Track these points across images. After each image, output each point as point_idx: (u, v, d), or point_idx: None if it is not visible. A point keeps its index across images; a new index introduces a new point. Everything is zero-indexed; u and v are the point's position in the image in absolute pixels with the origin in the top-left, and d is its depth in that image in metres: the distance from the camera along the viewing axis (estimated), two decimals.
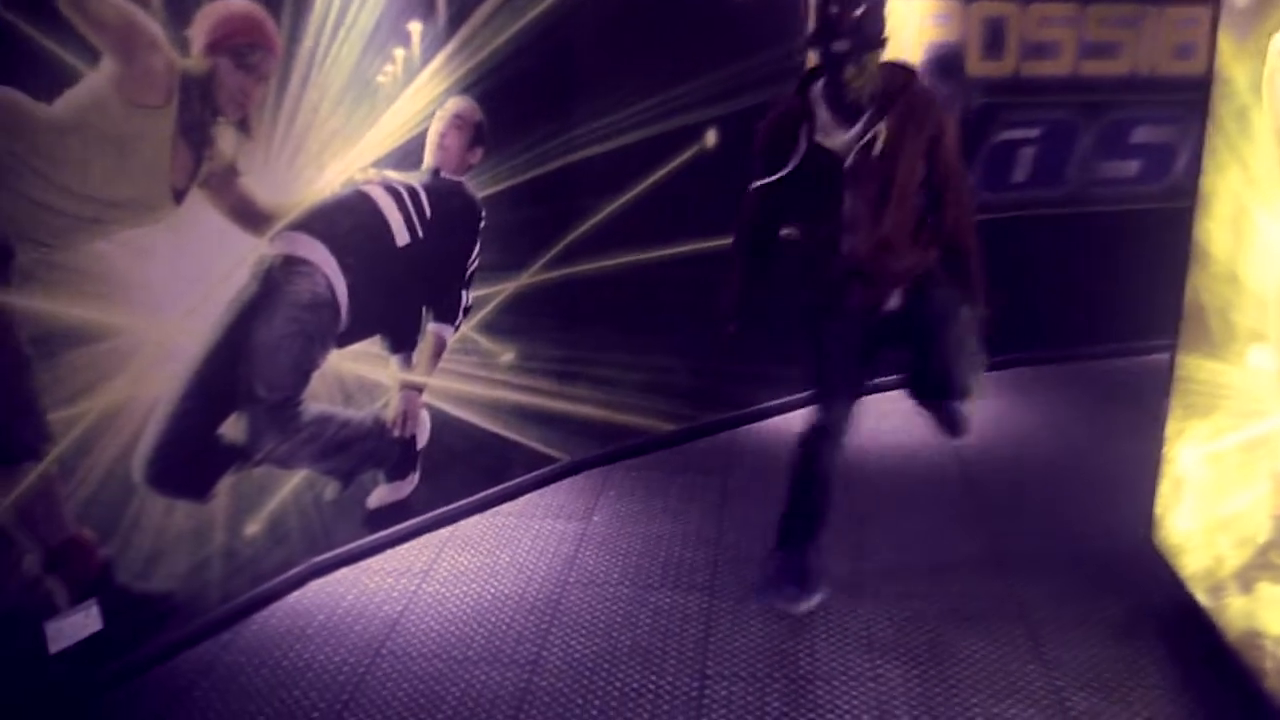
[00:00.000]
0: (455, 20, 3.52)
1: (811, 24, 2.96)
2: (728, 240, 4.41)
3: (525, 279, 3.97)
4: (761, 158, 3.19)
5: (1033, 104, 5.05)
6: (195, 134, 2.97)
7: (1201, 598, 3.09)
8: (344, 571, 3.58)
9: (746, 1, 4.32)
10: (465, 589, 3.51)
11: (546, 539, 3.83)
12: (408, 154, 3.51)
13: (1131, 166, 5.28)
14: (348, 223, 3.38)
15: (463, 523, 3.92)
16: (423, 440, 3.77)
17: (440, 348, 3.74)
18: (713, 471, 4.38)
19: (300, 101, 3.19)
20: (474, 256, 3.78)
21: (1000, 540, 3.79)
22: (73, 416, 2.77)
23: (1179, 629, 3.20)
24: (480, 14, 3.57)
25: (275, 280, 3.23)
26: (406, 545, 3.75)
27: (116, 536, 2.94)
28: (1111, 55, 5.04)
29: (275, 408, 3.30)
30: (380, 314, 3.55)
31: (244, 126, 3.09)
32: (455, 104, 3.59)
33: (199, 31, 2.92)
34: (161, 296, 2.96)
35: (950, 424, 3.52)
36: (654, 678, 3.08)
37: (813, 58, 3.11)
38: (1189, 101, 5.18)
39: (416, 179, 3.56)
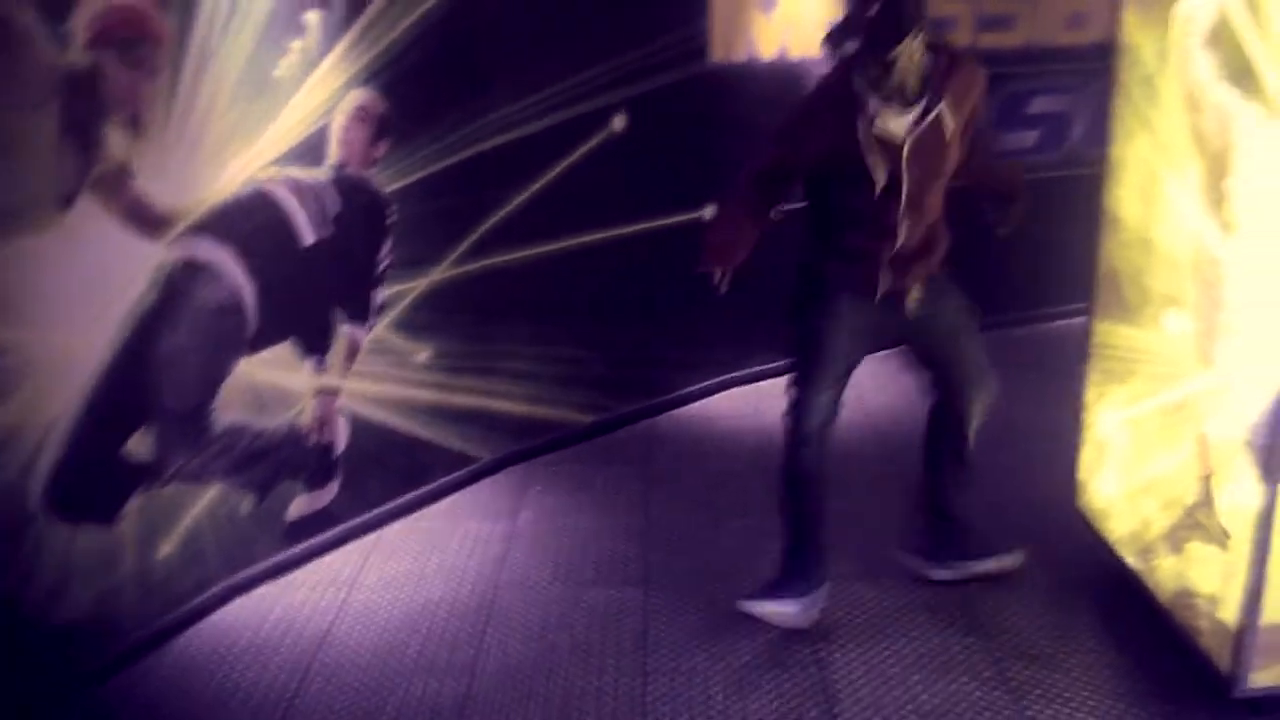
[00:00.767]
0: (353, 9, 3.39)
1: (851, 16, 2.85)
2: (639, 226, 4.42)
3: (438, 274, 3.85)
4: (795, 138, 2.95)
5: None
6: (81, 134, 2.78)
7: (1130, 560, 3.15)
8: (266, 587, 3.43)
9: None
10: (395, 597, 3.40)
11: (474, 540, 3.73)
12: (310, 149, 3.36)
13: (1030, 136, 5.37)
14: (251, 224, 3.23)
15: (387, 529, 3.79)
16: (340, 446, 3.63)
17: (354, 349, 3.61)
18: (635, 461, 4.33)
19: (194, 97, 3.02)
20: (384, 253, 3.65)
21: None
22: None
23: (1109, 593, 3.26)
24: (379, 2, 3.44)
25: (177, 287, 3.06)
26: (330, 556, 3.62)
27: (13, 569, 2.75)
28: (1007, 27, 5.12)
29: (183, 421, 3.14)
30: (290, 317, 3.40)
31: (134, 125, 2.91)
32: (357, 96, 3.46)
33: (80, 25, 2.74)
34: (54, 309, 2.77)
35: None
36: (595, 677, 3.02)
37: (850, 47, 2.91)
38: (1082, 71, 5.33)
39: (321, 175, 3.41)
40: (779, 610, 3.18)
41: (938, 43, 2.90)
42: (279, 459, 3.44)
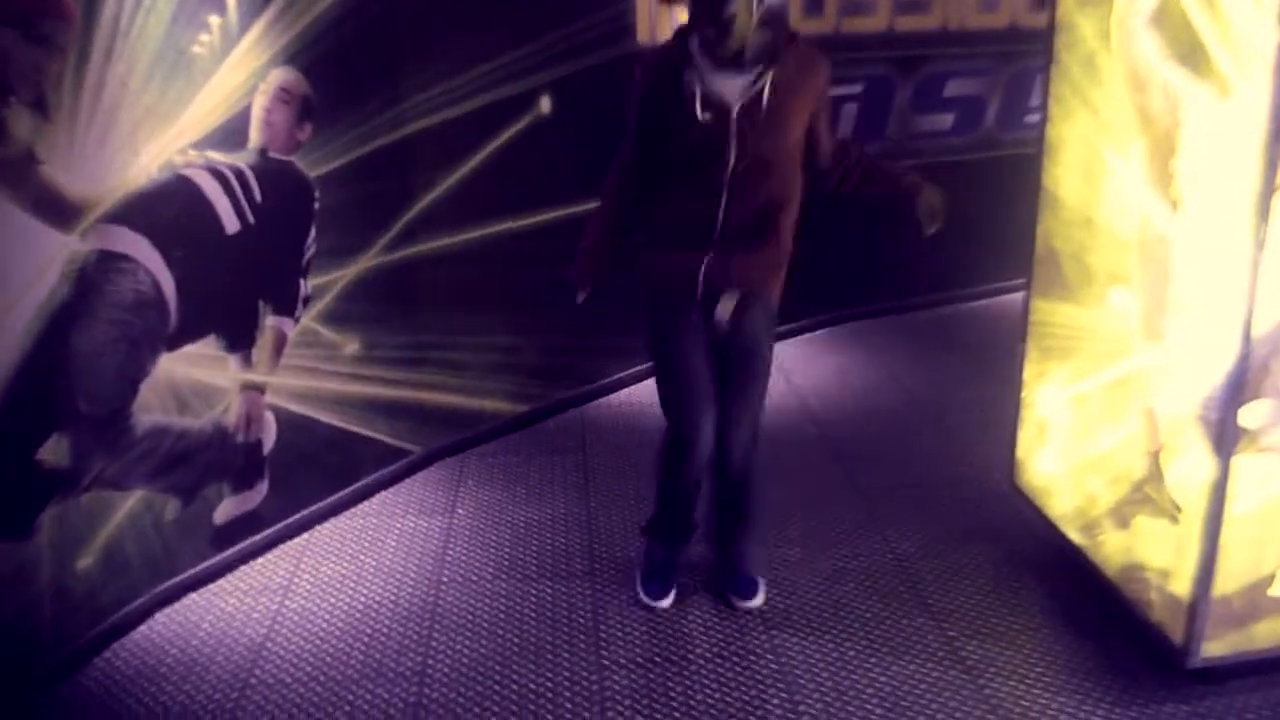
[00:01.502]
0: None
1: None
2: (569, 210, 4.32)
3: (365, 262, 3.70)
4: (637, 108, 2.91)
5: (853, 60, 5.11)
6: None
7: (1074, 536, 3.20)
8: (194, 597, 3.25)
9: None
10: (333, 601, 3.25)
11: (411, 538, 3.60)
12: (231, 132, 3.18)
13: (946, 119, 5.43)
14: (170, 211, 3.03)
15: (318, 529, 3.64)
16: (269, 444, 3.46)
17: (281, 342, 3.44)
18: (569, 451, 4.25)
19: (105, 76, 2.81)
20: (310, 241, 3.48)
21: (867, 496, 3.83)
22: None
23: (1053, 569, 3.31)
24: None
25: (91, 280, 2.85)
26: (261, 560, 3.45)
27: None
28: (923, 10, 5.15)
29: (101, 424, 2.94)
30: (213, 310, 3.22)
31: (40, 108, 2.69)
32: (279, 76, 3.28)
33: None
34: None
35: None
36: (549, 674, 2.93)
37: (683, 12, 2.86)
38: (994, 54, 5.41)
39: (242, 160, 3.23)
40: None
41: (780, 23, 2.80)
42: (204, 460, 3.25)
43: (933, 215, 3.09)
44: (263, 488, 3.48)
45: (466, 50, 3.87)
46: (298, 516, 3.59)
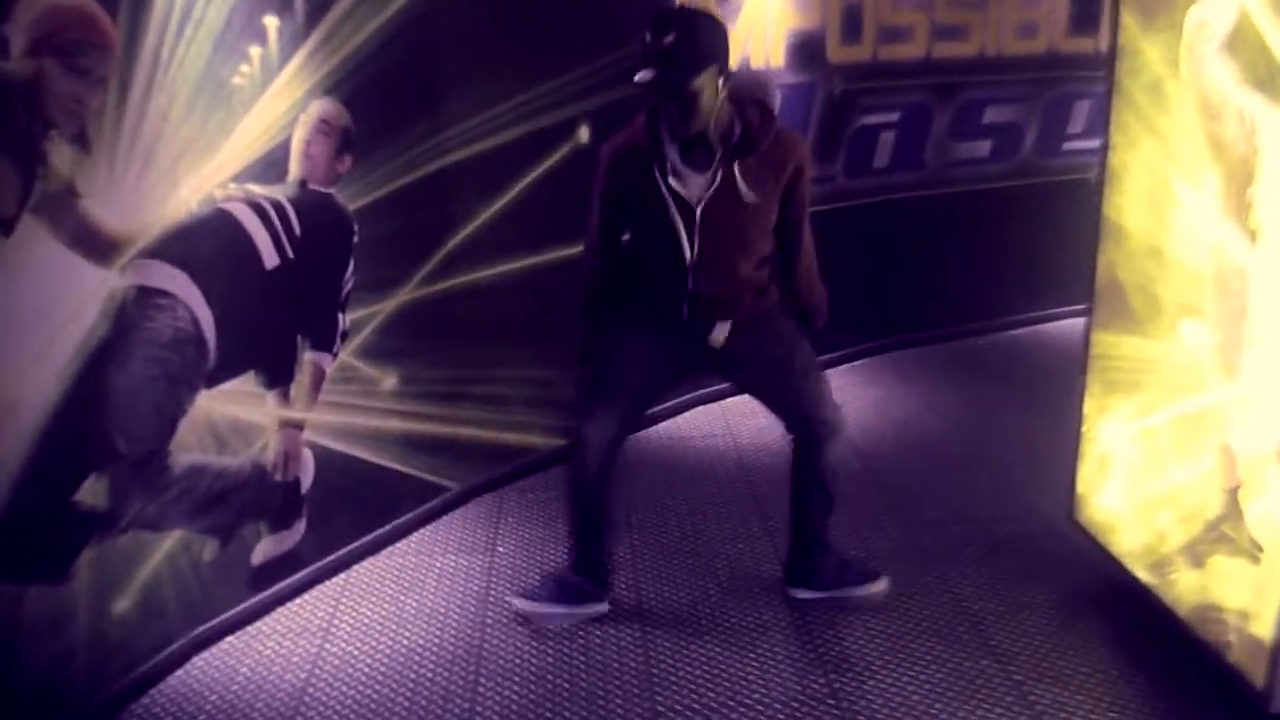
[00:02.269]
0: (314, 14, 3.15)
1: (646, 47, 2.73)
2: None
3: (404, 296, 3.62)
4: (603, 194, 2.94)
5: (891, 88, 5.05)
6: (21, 151, 2.50)
7: (1142, 575, 3.09)
8: (233, 640, 3.15)
9: None
10: (374, 644, 3.15)
11: (453, 577, 3.50)
12: (271, 165, 3.12)
13: (984, 146, 5.37)
14: (209, 246, 2.97)
15: (357, 568, 3.54)
16: (307, 483, 3.38)
17: (319, 378, 3.37)
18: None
19: (146, 109, 2.75)
20: (349, 275, 3.42)
21: (917, 533, 3.73)
22: None
23: (1118, 608, 3.20)
24: (341, 7, 3.21)
25: (130, 317, 2.78)
26: (299, 601, 3.35)
27: None
28: (961, 37, 5.10)
29: (139, 463, 2.86)
30: (252, 347, 3.15)
31: (81, 140, 2.63)
32: (319, 107, 3.22)
33: (19, 29, 2.45)
34: None
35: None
36: None
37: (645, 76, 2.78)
38: (1032, 80, 5.36)
39: (282, 193, 3.17)
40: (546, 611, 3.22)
41: (752, 104, 2.84)
42: (243, 500, 3.17)
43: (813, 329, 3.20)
44: (300, 527, 3.39)
45: (505, 80, 3.82)
46: (336, 556, 3.51)
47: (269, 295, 3.16)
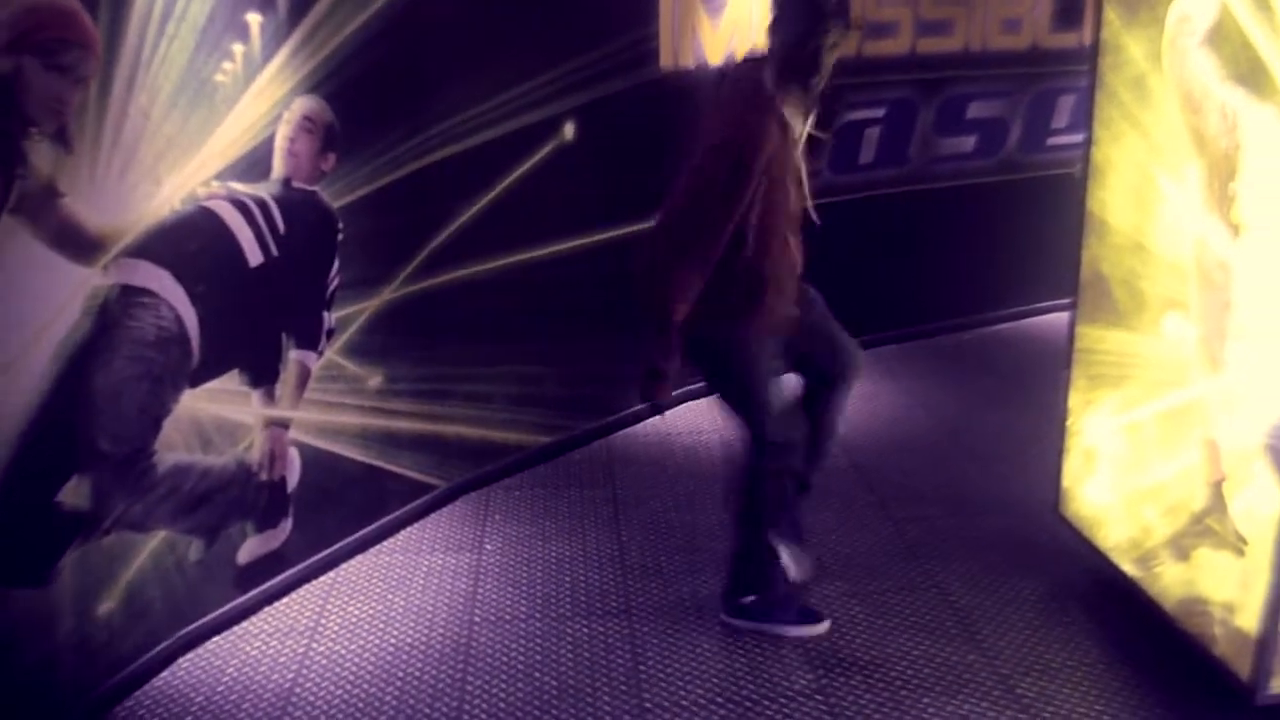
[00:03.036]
0: (297, 10, 3.13)
1: (784, 8, 2.76)
2: (593, 238, 4.24)
3: (389, 294, 3.61)
4: (754, 171, 2.74)
5: (876, 84, 5.05)
6: (1, 150, 2.48)
7: (1127, 568, 3.10)
8: (219, 640, 3.14)
9: None
10: (362, 643, 3.14)
11: (440, 576, 3.49)
12: (254, 163, 3.09)
13: (968, 142, 5.37)
14: (193, 244, 2.94)
15: (344, 567, 3.52)
16: (293, 481, 3.36)
17: (305, 377, 3.35)
18: (598, 483, 4.14)
19: (127, 107, 2.73)
20: (334, 273, 3.40)
21: (906, 527, 3.73)
22: None
23: (1104, 601, 3.21)
24: (324, 4, 3.19)
25: (113, 316, 2.76)
26: (286, 600, 3.34)
27: None
28: (945, 32, 5.10)
29: (123, 464, 2.84)
30: (236, 345, 3.13)
31: (62, 139, 2.61)
32: (303, 105, 3.20)
33: None
34: None
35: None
36: (590, 717, 2.83)
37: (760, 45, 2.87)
38: (1016, 75, 5.36)
39: (266, 190, 3.15)
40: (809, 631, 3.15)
41: None
42: (228, 499, 3.15)
43: None
44: (287, 526, 3.37)
45: (490, 78, 3.80)
46: (323, 555, 3.49)
47: (253, 293, 3.13)
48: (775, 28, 2.79)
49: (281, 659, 3.07)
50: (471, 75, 3.75)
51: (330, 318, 3.41)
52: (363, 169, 3.44)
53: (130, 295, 2.81)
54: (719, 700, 2.88)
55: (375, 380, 3.60)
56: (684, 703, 2.87)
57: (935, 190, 5.37)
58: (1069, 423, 3.34)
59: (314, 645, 3.14)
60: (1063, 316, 3.45)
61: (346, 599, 3.37)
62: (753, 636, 3.14)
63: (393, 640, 3.16)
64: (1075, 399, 3.30)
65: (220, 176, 3.02)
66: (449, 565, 3.56)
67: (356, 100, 3.34)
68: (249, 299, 3.14)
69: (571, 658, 3.08)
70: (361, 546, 3.62)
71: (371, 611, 3.30)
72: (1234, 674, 2.69)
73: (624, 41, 4.18)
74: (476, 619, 3.26)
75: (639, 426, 4.64)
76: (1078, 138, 3.48)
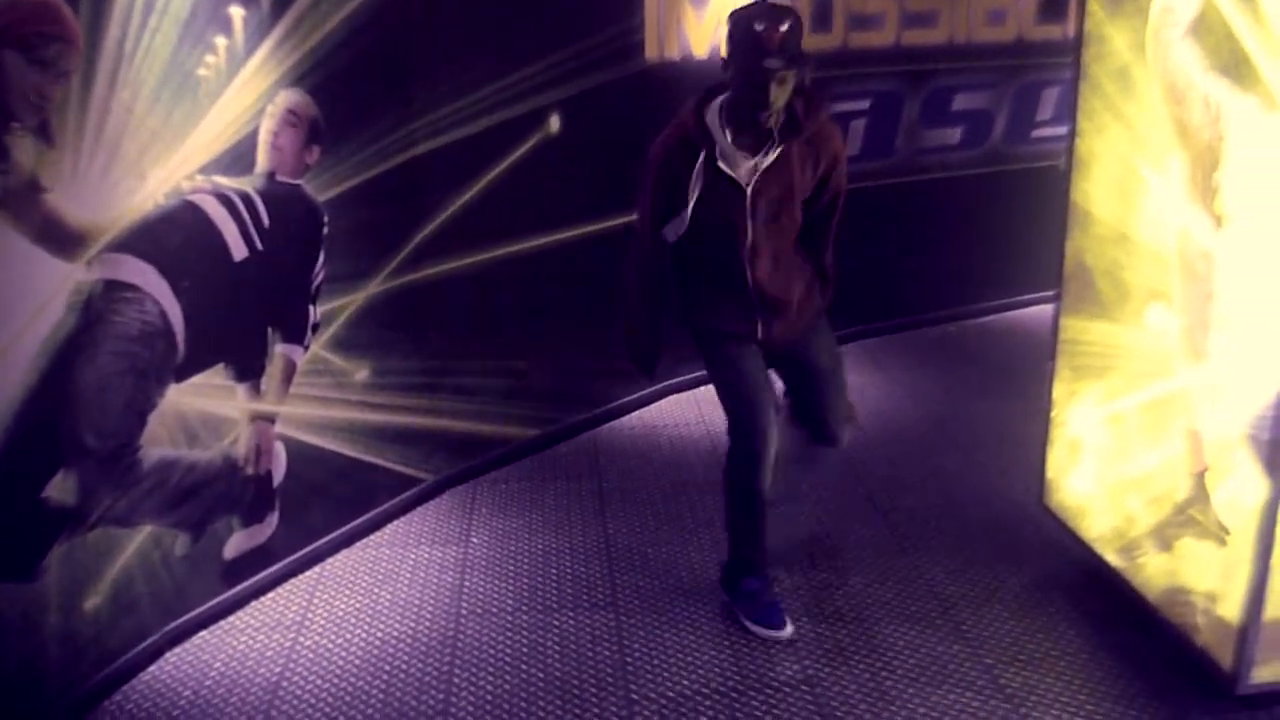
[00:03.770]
0: (280, 3, 3.12)
1: (730, 44, 2.77)
2: (578, 230, 4.24)
3: (374, 287, 3.60)
4: (655, 189, 2.93)
5: (861, 75, 5.05)
6: None
7: (1111, 558, 3.12)
8: (206, 635, 3.14)
9: None
10: (349, 636, 3.14)
11: (427, 569, 3.50)
12: (238, 157, 3.08)
13: (954, 134, 5.38)
14: (177, 239, 2.94)
15: (331, 561, 3.53)
16: (279, 475, 3.36)
17: (290, 371, 3.34)
18: (583, 476, 4.15)
19: (110, 101, 2.71)
20: (319, 267, 3.39)
21: (892, 518, 3.75)
22: None
23: (1087, 592, 3.23)
24: None
25: (97, 311, 2.75)
26: (273, 595, 3.34)
27: None
28: (930, 24, 5.10)
29: (108, 459, 2.83)
30: (221, 340, 3.12)
31: (44, 133, 2.59)
32: (287, 98, 3.19)
33: None
34: None
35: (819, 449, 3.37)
36: (577, 710, 2.83)
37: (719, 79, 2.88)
38: (1002, 67, 5.37)
39: (250, 184, 3.14)
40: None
41: (804, 86, 2.87)
42: (214, 494, 3.15)
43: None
44: (273, 520, 3.37)
45: (474, 71, 3.80)
46: (309, 549, 3.49)
47: (238, 288, 3.13)
48: (726, 64, 2.82)
49: (268, 653, 3.07)
50: (456, 69, 3.75)
51: (316, 311, 3.41)
52: (348, 162, 3.43)
53: (114, 290, 2.80)
54: (705, 691, 2.89)
55: (361, 374, 3.60)
56: (670, 694, 2.88)
57: (921, 182, 5.37)
58: (1053, 414, 3.35)
59: (301, 639, 3.14)
60: (1048, 308, 3.46)
61: (333, 593, 3.37)
62: (739, 627, 3.15)
63: (379, 634, 3.16)
64: (1059, 390, 3.31)
65: (204, 170, 3.01)
66: (435, 559, 3.56)
67: (341, 93, 3.33)
68: (234, 293, 3.13)
69: (558, 650, 3.08)
70: (348, 540, 3.62)
71: (358, 605, 3.30)
72: (1216, 663, 2.71)
73: (609, 33, 4.17)
74: (463, 612, 3.27)
75: (625, 419, 4.64)
76: (1062, 130, 3.49)
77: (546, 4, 4.00)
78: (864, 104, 5.09)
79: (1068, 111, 3.19)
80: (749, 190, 2.86)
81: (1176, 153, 2.69)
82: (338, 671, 2.99)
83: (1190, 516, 2.76)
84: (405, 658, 3.05)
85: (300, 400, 3.40)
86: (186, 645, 3.09)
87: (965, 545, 3.56)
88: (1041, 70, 5.36)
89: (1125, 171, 2.91)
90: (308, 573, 3.46)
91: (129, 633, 2.97)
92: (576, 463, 4.27)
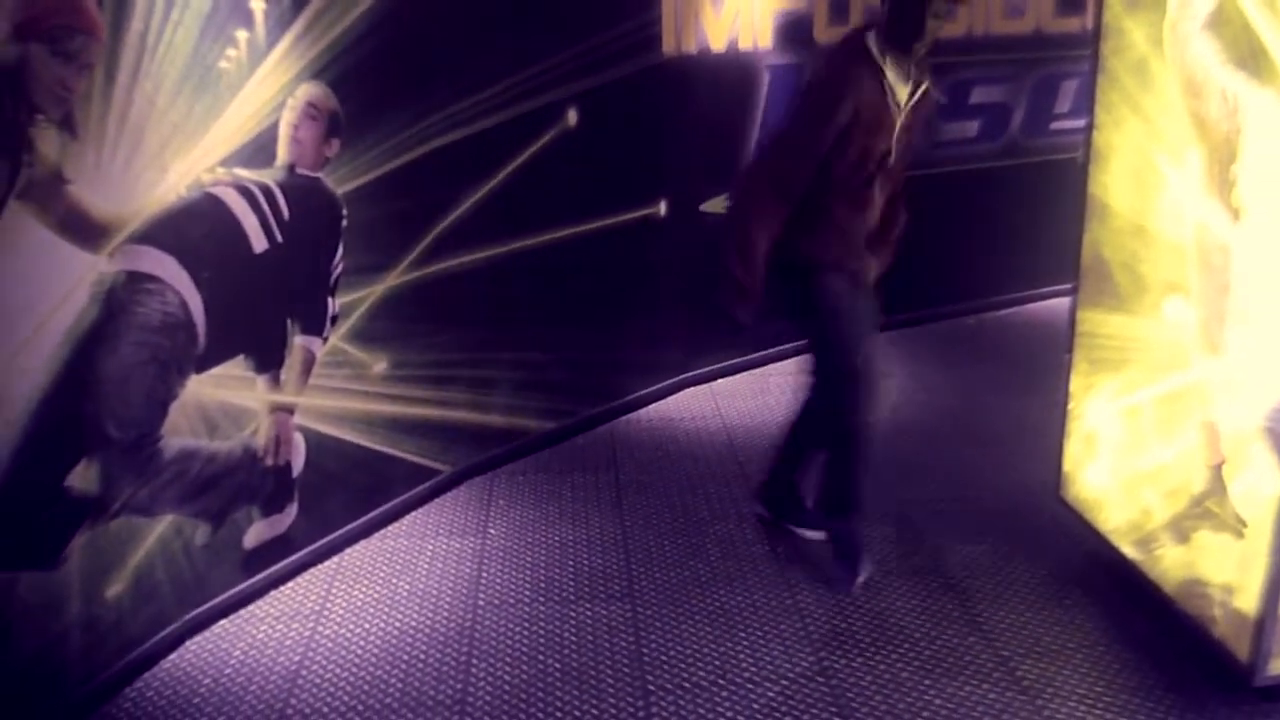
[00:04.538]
0: None
1: None
2: (597, 223, 4.26)
3: (393, 279, 3.62)
4: (835, 113, 2.97)
5: None
6: (8, 137, 2.50)
7: (1127, 551, 3.12)
8: (225, 624, 3.17)
9: None
10: (367, 626, 3.17)
11: (444, 560, 3.52)
12: (259, 149, 3.10)
13: (972, 127, 5.36)
14: (198, 231, 2.96)
15: (349, 551, 3.56)
16: (298, 466, 3.38)
17: (309, 362, 3.36)
18: (600, 468, 4.17)
19: (133, 94, 2.74)
20: (338, 259, 3.41)
21: (910, 509, 3.75)
22: None
23: (1104, 584, 3.23)
24: None
25: (119, 302, 2.78)
26: (292, 584, 3.37)
27: None
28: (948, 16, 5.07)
29: (130, 448, 2.86)
30: (242, 331, 3.14)
31: (68, 125, 2.62)
32: (307, 91, 3.21)
33: (3, 14, 2.44)
34: None
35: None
36: (594, 700, 2.85)
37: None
38: (1020, 60, 5.36)
39: (270, 177, 3.16)
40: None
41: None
42: (234, 483, 3.18)
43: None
44: (292, 510, 3.40)
45: (492, 63, 3.81)
46: (328, 539, 3.52)
47: (258, 279, 3.15)
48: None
49: (287, 642, 3.10)
50: (475, 62, 3.76)
51: (335, 303, 3.43)
52: (368, 155, 3.45)
53: (136, 281, 2.83)
54: (721, 682, 2.91)
55: (379, 365, 3.62)
56: (686, 685, 2.90)
57: (939, 175, 5.36)
58: (1070, 406, 3.35)
59: (320, 628, 3.16)
60: (1065, 301, 3.46)
61: (352, 583, 3.39)
62: (755, 618, 3.17)
63: (398, 624, 3.18)
64: (1076, 383, 3.31)
65: (225, 163, 3.03)
66: (453, 549, 3.58)
67: (361, 87, 3.35)
68: (254, 285, 3.15)
69: (575, 641, 3.10)
70: (366, 531, 3.64)
71: (377, 595, 3.33)
72: (1233, 655, 2.71)
73: (627, 27, 4.18)
74: (481, 603, 3.29)
75: (642, 412, 4.66)
76: (1080, 122, 3.48)
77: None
78: None
79: (1086, 104, 3.19)
80: (902, 118, 3.03)
81: (1194, 146, 2.68)
82: (356, 661, 3.02)
83: (1207, 509, 2.76)
84: (423, 647, 3.08)
85: (319, 391, 3.42)
86: (206, 634, 3.12)
87: (982, 537, 3.56)
88: (1060, 63, 5.34)
89: (1143, 164, 2.90)
90: (326, 563, 3.49)
91: (149, 621, 3.00)
92: (594, 455, 4.28)
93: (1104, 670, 2.89)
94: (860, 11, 4.91)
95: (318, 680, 2.94)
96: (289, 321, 3.31)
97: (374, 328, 3.57)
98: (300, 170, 3.24)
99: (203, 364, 3.03)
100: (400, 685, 2.92)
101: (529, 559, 3.52)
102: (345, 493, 3.59)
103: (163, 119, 2.84)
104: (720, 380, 4.91)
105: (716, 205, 4.72)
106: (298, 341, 3.33)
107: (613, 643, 3.09)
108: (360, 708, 2.83)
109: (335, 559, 3.51)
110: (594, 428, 4.49)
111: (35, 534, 2.68)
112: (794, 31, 4.76)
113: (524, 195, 3.97)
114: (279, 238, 3.17)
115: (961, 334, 5.53)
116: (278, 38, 3.10)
